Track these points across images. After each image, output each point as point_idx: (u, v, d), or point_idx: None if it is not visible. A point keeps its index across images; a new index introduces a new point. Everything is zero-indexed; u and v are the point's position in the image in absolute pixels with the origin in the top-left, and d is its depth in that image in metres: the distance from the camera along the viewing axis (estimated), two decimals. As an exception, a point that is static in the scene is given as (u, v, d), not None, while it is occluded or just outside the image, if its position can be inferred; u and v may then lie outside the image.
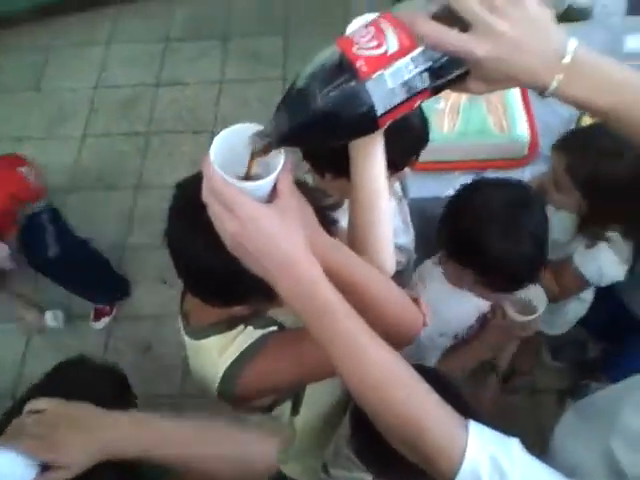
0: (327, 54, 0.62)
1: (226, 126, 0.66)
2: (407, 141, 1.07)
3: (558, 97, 0.66)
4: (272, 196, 0.67)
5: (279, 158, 0.66)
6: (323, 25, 2.96)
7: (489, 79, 0.65)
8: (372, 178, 0.85)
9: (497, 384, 1.39)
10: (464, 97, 1.63)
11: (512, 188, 1.17)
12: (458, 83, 0.66)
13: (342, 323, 0.66)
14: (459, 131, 1.60)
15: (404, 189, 1.64)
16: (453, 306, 1.23)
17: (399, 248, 1.31)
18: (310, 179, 1.19)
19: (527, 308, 1.20)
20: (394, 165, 1.11)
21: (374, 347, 0.67)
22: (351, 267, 0.78)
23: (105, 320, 2.38)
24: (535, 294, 1.21)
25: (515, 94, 1.68)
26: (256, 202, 0.65)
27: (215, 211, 0.65)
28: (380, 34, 0.61)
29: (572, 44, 0.63)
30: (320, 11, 3.11)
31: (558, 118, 1.67)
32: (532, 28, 0.62)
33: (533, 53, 0.63)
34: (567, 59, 0.63)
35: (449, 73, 0.63)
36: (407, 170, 1.19)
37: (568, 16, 1.97)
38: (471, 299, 1.22)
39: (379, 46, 0.61)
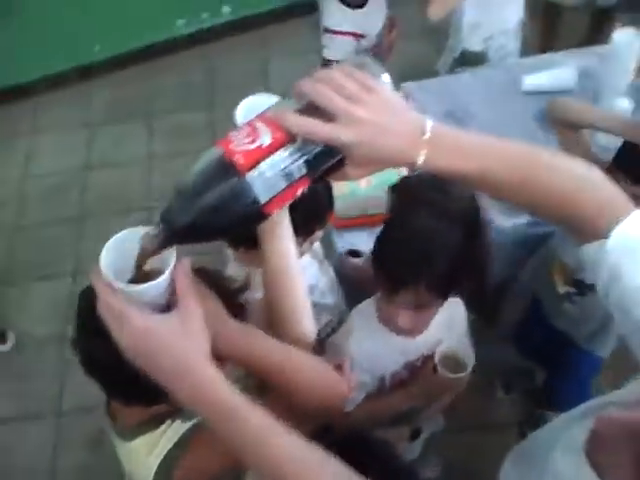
0: (208, 154, 0.66)
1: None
2: (312, 209, 1.10)
3: (427, 170, 0.70)
4: (173, 295, 0.67)
5: (171, 257, 0.67)
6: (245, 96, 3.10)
7: (363, 163, 0.69)
8: (281, 254, 0.87)
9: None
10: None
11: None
12: (337, 170, 0.69)
13: (249, 426, 0.67)
14: (377, 184, 1.65)
15: (333, 245, 1.68)
16: (380, 345, 1.24)
17: (327, 308, 1.32)
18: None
19: (457, 365, 1.20)
20: (304, 231, 1.13)
21: (286, 445, 0.67)
22: (263, 351, 0.79)
23: None
24: (464, 351, 1.22)
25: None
26: (146, 312, 0.65)
27: (108, 324, 0.66)
28: (254, 131, 0.66)
29: (429, 122, 0.68)
30: (241, 85, 3.22)
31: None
32: (389, 111, 0.67)
33: (396, 134, 0.67)
34: (427, 135, 0.68)
35: (325, 161, 0.67)
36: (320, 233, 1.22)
37: (464, 61, 2.08)
38: (399, 342, 1.23)
39: (254, 141, 0.65)
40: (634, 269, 0.69)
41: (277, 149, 0.65)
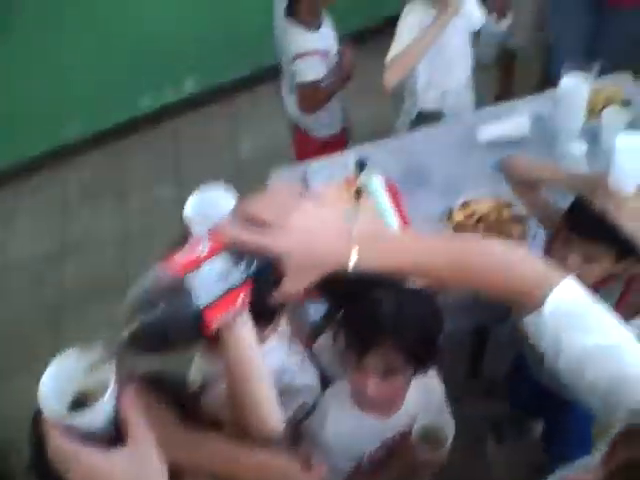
0: (153, 269, 0.68)
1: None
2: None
3: (361, 270, 0.73)
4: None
5: (110, 379, 0.64)
6: (214, 172, 3.16)
7: (298, 270, 0.72)
8: (239, 344, 0.84)
9: None
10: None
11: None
12: (279, 279, 0.72)
13: None
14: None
15: (304, 317, 1.66)
16: (356, 427, 1.21)
17: (300, 390, 1.29)
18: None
19: (436, 439, 1.18)
20: (266, 316, 1.12)
21: None
22: (218, 460, 0.77)
23: None
24: (443, 424, 1.19)
25: (385, 199, 1.76)
26: (94, 448, 0.63)
27: (60, 467, 0.63)
28: (195, 244, 0.70)
29: (356, 227, 0.73)
30: (210, 155, 3.28)
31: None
32: (319, 219, 0.72)
33: (326, 240, 0.72)
34: (355, 239, 0.72)
35: (263, 269, 0.70)
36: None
37: (421, 120, 2.13)
38: (375, 423, 1.20)
39: (194, 252, 0.69)
40: (574, 332, 0.74)
41: (214, 256, 0.68)
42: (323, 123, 2.35)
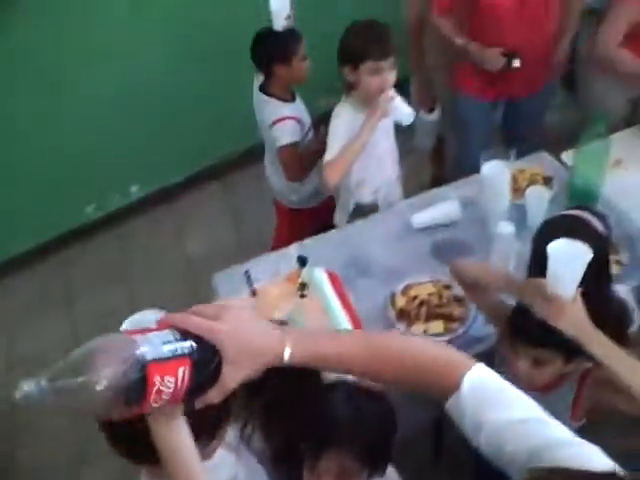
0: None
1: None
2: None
3: (295, 363, 0.81)
4: None
5: None
6: (162, 273, 3.17)
7: (236, 360, 0.76)
8: (178, 453, 0.83)
9: None
10: (277, 313, 1.73)
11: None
12: (218, 371, 0.76)
13: None
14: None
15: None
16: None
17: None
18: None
19: None
20: (210, 431, 1.11)
21: None
22: None
23: None
24: None
25: (331, 293, 1.80)
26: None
27: None
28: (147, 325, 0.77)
29: (287, 327, 0.85)
30: (158, 257, 3.30)
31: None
32: (252, 318, 0.81)
33: (262, 330, 0.80)
34: (286, 335, 0.81)
35: (204, 353, 0.74)
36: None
37: (357, 214, 2.23)
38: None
39: (145, 328, 0.75)
40: (492, 408, 0.81)
41: (163, 330, 0.74)
42: (309, 194, 2.44)
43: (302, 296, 1.79)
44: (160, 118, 3.37)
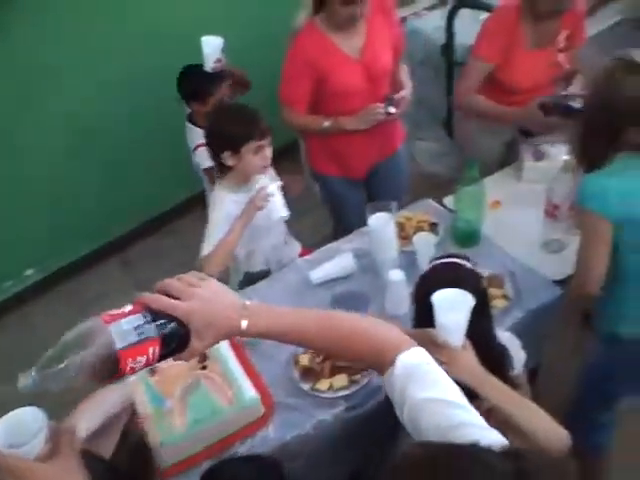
0: (86, 320, 0.86)
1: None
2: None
3: (251, 335, 0.95)
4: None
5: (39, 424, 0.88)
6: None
7: (200, 330, 0.90)
8: None
9: None
10: (179, 389, 1.69)
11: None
12: (186, 342, 0.90)
13: None
14: (192, 421, 1.63)
15: None
16: None
17: None
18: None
19: None
20: None
21: None
22: None
23: None
24: None
25: (232, 361, 1.78)
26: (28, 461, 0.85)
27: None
28: (123, 305, 0.89)
29: (247, 301, 0.96)
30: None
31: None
32: (216, 292, 0.93)
33: (222, 306, 0.92)
34: (246, 307, 0.94)
35: (172, 328, 0.89)
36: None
37: (249, 281, 2.26)
38: None
39: (120, 309, 0.88)
40: (415, 388, 0.92)
41: (135, 314, 0.87)
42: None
43: (203, 368, 1.76)
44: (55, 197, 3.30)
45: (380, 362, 0.97)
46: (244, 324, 0.93)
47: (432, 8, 3.88)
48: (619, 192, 1.61)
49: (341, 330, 1.00)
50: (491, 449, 0.70)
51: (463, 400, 0.92)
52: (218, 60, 2.62)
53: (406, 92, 2.47)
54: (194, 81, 2.67)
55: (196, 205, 3.51)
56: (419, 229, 2.25)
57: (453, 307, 1.33)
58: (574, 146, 1.80)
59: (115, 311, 0.87)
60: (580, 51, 2.43)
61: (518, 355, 1.61)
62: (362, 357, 1.01)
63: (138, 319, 0.86)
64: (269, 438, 1.68)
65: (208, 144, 2.15)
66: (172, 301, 0.88)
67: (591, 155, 1.71)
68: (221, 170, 2.14)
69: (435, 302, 1.35)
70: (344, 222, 2.67)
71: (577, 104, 2.10)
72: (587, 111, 1.74)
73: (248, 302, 0.96)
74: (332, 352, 1.10)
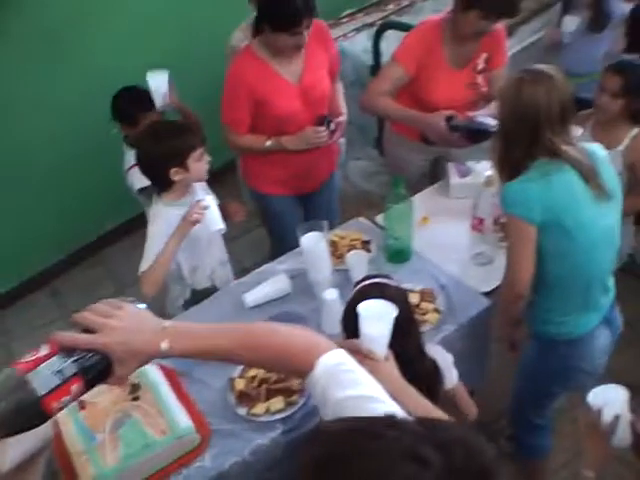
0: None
1: None
2: None
3: (174, 355, 0.97)
4: None
5: None
6: None
7: (123, 359, 0.91)
8: None
9: None
10: (109, 422, 1.64)
11: None
12: (109, 372, 0.91)
13: None
14: (124, 455, 1.57)
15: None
16: None
17: None
18: None
19: None
20: None
21: None
22: None
23: None
24: None
25: (165, 389, 1.74)
26: None
27: None
28: (37, 349, 0.88)
29: (166, 322, 0.97)
30: None
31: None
32: (134, 318, 0.94)
33: (141, 332, 0.93)
34: (165, 330, 0.95)
35: (92, 362, 0.89)
36: None
37: (195, 299, 2.22)
38: None
39: (34, 355, 0.86)
40: (337, 388, 0.94)
41: (52, 357, 0.86)
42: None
43: (135, 399, 1.70)
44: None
45: (302, 367, 0.99)
46: (164, 346, 0.94)
47: (359, 30, 3.97)
48: (539, 198, 1.68)
49: (261, 341, 1.02)
50: (408, 418, 0.76)
51: (384, 395, 0.95)
52: (165, 95, 2.54)
53: (343, 118, 2.54)
54: (125, 103, 2.63)
55: (124, 234, 3.45)
56: (352, 247, 2.27)
57: (377, 317, 1.36)
58: (494, 159, 1.86)
59: (30, 357, 0.86)
60: (499, 72, 2.53)
61: (450, 370, 1.64)
62: (285, 365, 1.03)
63: (55, 362, 0.86)
64: (206, 468, 1.64)
65: (149, 167, 2.11)
66: (88, 337, 0.89)
67: (511, 165, 1.76)
68: (163, 187, 2.12)
69: (360, 312, 1.37)
70: (284, 242, 2.68)
71: (490, 127, 2.19)
72: (501, 123, 1.80)
73: (167, 323, 0.97)
74: (255, 363, 1.11)
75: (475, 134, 2.34)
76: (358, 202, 3.36)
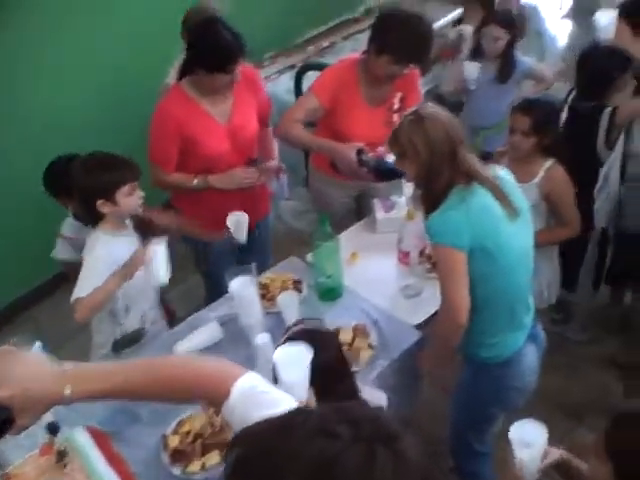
0: None
1: None
2: None
3: (79, 400, 0.93)
4: None
5: None
6: None
7: (24, 410, 0.89)
8: None
9: None
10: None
11: None
12: (12, 424, 0.89)
13: None
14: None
15: None
16: None
17: None
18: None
19: None
20: None
21: None
22: None
23: None
24: None
25: (94, 453, 1.66)
26: None
27: None
28: None
29: (66, 364, 0.95)
30: None
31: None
32: (30, 366, 0.91)
33: (39, 379, 0.90)
34: (65, 374, 0.92)
35: None
36: None
37: (124, 343, 2.17)
38: None
39: None
40: (255, 409, 0.93)
41: None
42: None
43: (63, 466, 1.62)
44: None
45: (217, 395, 0.98)
46: (67, 391, 0.91)
47: (282, 72, 4.04)
48: (465, 223, 1.73)
49: (175, 372, 1.01)
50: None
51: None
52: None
53: (274, 162, 2.57)
54: (57, 176, 2.37)
55: (53, 289, 3.33)
56: (284, 288, 2.26)
57: (293, 363, 1.36)
58: (417, 195, 1.90)
59: None
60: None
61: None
62: (200, 395, 1.03)
63: None
64: (141, 533, 1.58)
65: (79, 197, 2.10)
66: None
67: (434, 196, 1.79)
68: (93, 218, 2.10)
69: (275, 359, 1.37)
70: (219, 286, 2.64)
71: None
72: (420, 163, 1.83)
73: (68, 366, 0.95)
74: (168, 398, 1.07)
75: (383, 173, 2.39)
76: (291, 241, 3.37)
